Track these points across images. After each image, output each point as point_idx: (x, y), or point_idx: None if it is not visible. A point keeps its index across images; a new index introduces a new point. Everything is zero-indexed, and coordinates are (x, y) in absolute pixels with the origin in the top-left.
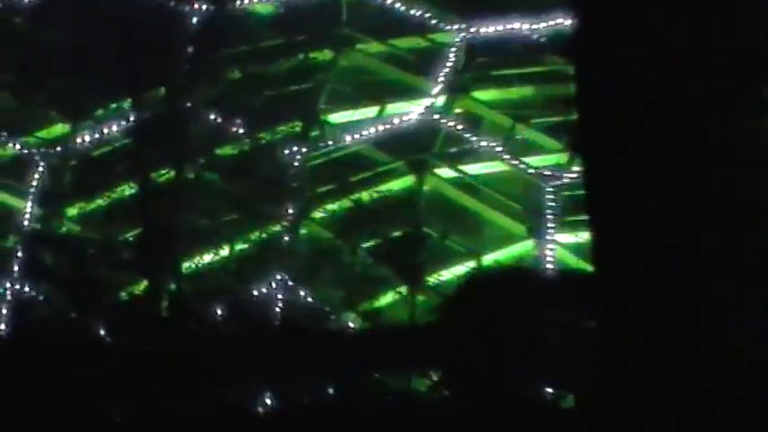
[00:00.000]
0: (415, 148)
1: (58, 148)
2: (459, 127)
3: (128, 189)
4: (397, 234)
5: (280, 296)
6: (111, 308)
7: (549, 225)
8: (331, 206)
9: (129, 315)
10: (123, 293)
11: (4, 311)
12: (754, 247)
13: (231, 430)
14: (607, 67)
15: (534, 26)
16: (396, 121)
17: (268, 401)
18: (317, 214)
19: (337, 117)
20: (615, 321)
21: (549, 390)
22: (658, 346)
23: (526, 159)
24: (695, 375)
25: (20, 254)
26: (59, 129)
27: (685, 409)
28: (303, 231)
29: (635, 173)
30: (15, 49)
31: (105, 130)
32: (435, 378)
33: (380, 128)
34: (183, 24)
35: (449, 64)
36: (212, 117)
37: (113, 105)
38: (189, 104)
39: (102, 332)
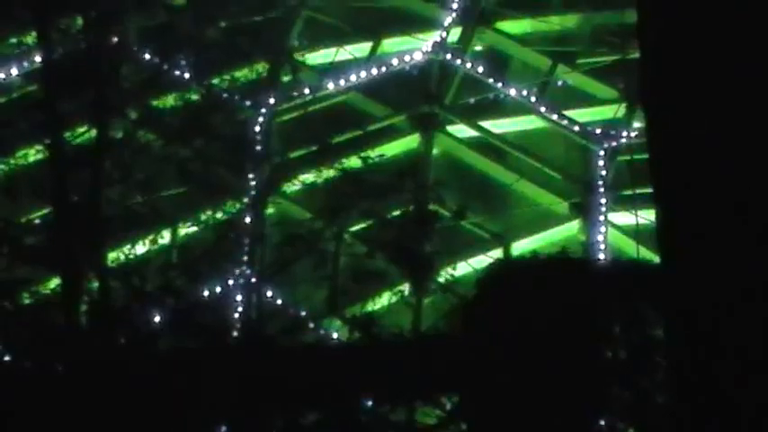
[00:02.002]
0: (420, 97)
1: None
2: (480, 69)
3: (34, 153)
4: (396, 213)
5: (240, 297)
6: (10, 313)
7: (600, 201)
8: (308, 176)
9: (35, 323)
10: (26, 294)
11: None
12: None
13: None
14: None
15: None
16: (394, 61)
17: None
18: (290, 187)
19: (316, 57)
20: (689, 329)
21: (602, 422)
22: (746, 362)
23: (569, 113)
24: None
25: None
26: None
27: None
28: (271, 210)
29: (717, 132)
30: None
31: (12, 70)
32: (448, 408)
33: (374, 71)
34: None
35: None
36: (148, 56)
37: (13, 40)
38: (116, 39)
39: None
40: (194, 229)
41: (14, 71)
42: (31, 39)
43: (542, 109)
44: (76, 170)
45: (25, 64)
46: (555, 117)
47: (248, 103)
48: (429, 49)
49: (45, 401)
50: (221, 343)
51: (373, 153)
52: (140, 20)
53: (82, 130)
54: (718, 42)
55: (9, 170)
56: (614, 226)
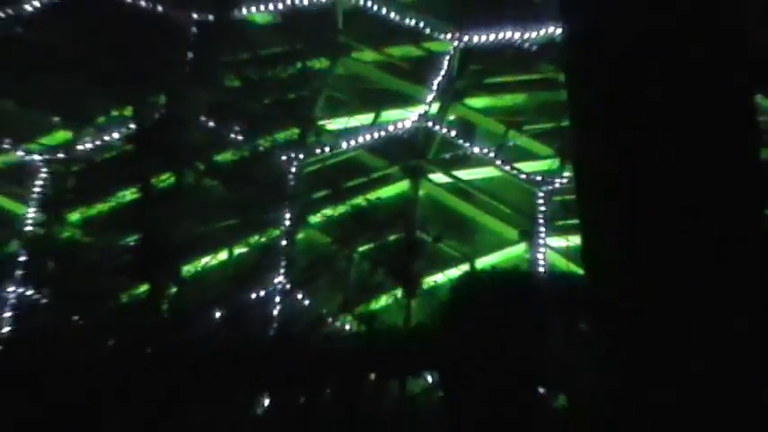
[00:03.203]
0: (409, 154)
1: (60, 155)
2: (453, 133)
3: (129, 195)
4: (391, 239)
5: (278, 300)
6: (111, 311)
7: (540, 229)
8: (327, 211)
9: (130, 319)
10: (124, 297)
11: (7, 315)
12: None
13: None
14: (597, 75)
15: (526, 35)
16: (390, 127)
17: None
18: (314, 219)
19: (333, 124)
20: (608, 325)
21: (542, 389)
22: (650, 347)
23: (518, 165)
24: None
25: (22, 258)
26: (61, 135)
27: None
28: (300, 236)
29: (625, 178)
30: (18, 57)
31: (107, 137)
32: (430, 380)
33: (376, 134)
34: (183, 33)
35: (442, 72)
36: (211, 124)
37: (115, 112)
38: (189, 111)
39: (102, 335)
40: (245, 250)
41: (115, 134)
42: (127, 111)
43: (498, 162)
44: (161, 206)
45: (123, 129)
46: (508, 168)
47: (284, 157)
48: (416, 119)
49: (137, 379)
50: (263, 334)
51: (374, 195)
52: (206, 97)
53: (164, 177)
54: (626, 118)
55: (112, 207)
56: (551, 248)
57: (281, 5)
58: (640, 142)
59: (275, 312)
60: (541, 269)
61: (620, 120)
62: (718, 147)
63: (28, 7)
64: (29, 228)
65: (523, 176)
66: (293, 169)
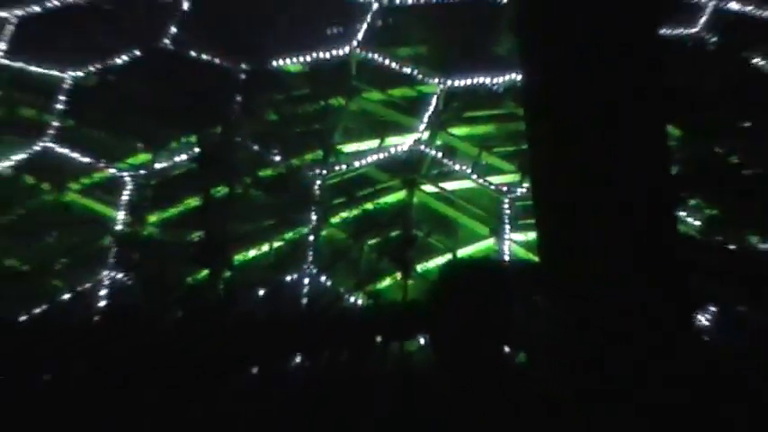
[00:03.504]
0: (406, 170)
1: (142, 172)
2: (440, 155)
3: (193, 201)
4: (393, 235)
5: (306, 282)
6: (181, 291)
7: (506, 228)
8: (344, 213)
9: (194, 296)
10: (189, 280)
11: (102, 294)
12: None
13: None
14: (547, 111)
15: (495, 79)
16: (392, 150)
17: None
18: (334, 220)
19: (348, 147)
20: (557, 298)
21: (507, 348)
22: (585, 315)
23: (489, 178)
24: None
25: (113, 250)
26: (143, 157)
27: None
28: (324, 233)
29: (568, 187)
30: (110, 98)
31: (177, 158)
32: (423, 341)
33: (381, 155)
34: (234, 79)
35: (431, 108)
36: (256, 147)
37: (183, 140)
38: (238, 138)
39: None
40: (281, 243)
41: (184, 156)
42: (193, 139)
43: (474, 176)
44: (218, 210)
45: (190, 152)
46: (481, 181)
47: (311, 173)
48: (411, 144)
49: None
50: (295, 307)
51: (381, 201)
52: (252, 127)
53: (219, 188)
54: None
55: (181, 211)
56: (514, 242)
57: (308, 58)
58: (578, 162)
59: (304, 291)
60: (506, 258)
61: (565, 144)
62: (638, 164)
63: (118, 60)
64: (119, 227)
65: (493, 187)
66: (318, 182)
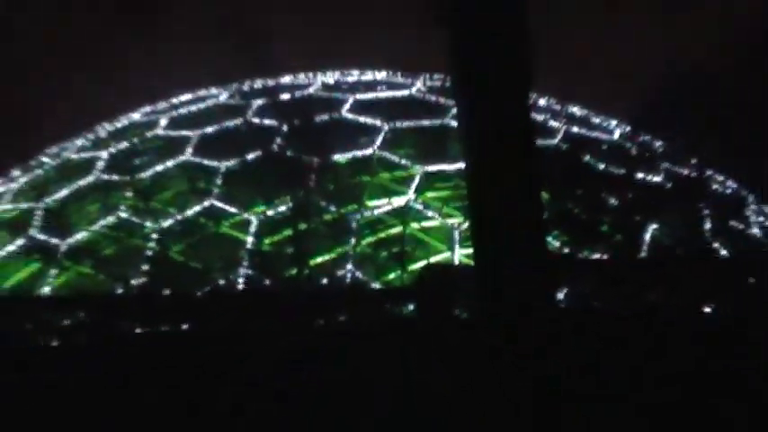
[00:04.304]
0: (402, 215)
1: (261, 216)
2: (420, 207)
3: (287, 232)
4: (395, 250)
5: (348, 277)
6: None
7: (456, 246)
8: (369, 239)
9: (289, 283)
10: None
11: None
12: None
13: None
14: (481, 191)
15: (454, 166)
16: (394, 204)
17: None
18: (364, 241)
19: (371, 203)
20: (490, 301)
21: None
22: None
23: (450, 220)
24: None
25: (248, 257)
26: (258, 209)
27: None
28: (357, 249)
29: (494, 224)
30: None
31: (280, 208)
32: (411, 309)
33: (388, 207)
34: (309, 167)
35: (416, 182)
36: (323, 203)
37: (262, 207)
38: (311, 199)
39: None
40: (334, 255)
41: (283, 208)
42: (278, 199)
43: (439, 219)
44: (301, 236)
45: (284, 207)
46: (443, 221)
47: (351, 216)
48: (404, 202)
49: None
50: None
51: (388, 232)
52: (317, 191)
53: (302, 225)
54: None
55: (282, 237)
56: (462, 255)
57: (350, 155)
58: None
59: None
60: (459, 264)
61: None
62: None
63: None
64: (249, 246)
65: (451, 223)
66: (354, 222)
